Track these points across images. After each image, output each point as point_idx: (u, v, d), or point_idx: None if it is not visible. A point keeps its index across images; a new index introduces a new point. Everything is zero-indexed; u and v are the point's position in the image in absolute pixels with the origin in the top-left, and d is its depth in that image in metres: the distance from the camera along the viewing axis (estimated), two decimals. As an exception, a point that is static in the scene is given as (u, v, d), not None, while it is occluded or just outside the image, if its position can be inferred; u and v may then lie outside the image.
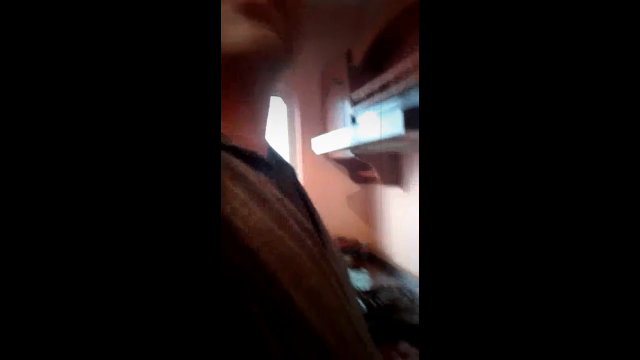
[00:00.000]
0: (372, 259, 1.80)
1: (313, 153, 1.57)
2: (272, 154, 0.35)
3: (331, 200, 1.84)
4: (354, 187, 1.87)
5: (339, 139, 1.04)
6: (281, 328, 0.21)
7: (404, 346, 0.93)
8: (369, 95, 1.17)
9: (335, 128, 1.52)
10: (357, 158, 1.40)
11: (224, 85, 0.27)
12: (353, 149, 1.17)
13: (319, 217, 0.35)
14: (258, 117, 0.32)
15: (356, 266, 1.66)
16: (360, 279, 1.50)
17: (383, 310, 1.17)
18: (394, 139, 0.81)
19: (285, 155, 1.82)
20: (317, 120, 1.77)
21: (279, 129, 1.91)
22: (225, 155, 0.25)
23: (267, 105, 0.33)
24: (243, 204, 0.24)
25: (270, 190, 0.27)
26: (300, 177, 1.81)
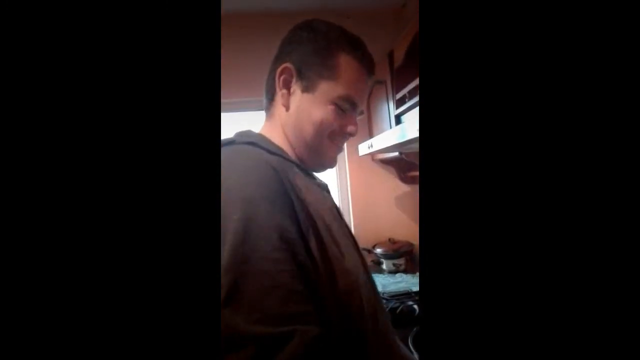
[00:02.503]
0: (426, 260, 1.74)
1: (359, 156, 1.58)
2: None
3: (380, 201, 1.84)
4: (403, 187, 1.85)
5: (385, 140, 1.05)
6: None
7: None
8: (412, 92, 1.16)
9: (381, 130, 1.52)
10: (404, 157, 1.39)
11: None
12: (399, 147, 1.17)
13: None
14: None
15: (411, 269, 1.63)
16: (416, 283, 1.46)
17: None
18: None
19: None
20: (362, 123, 1.77)
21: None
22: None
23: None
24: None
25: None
26: (348, 181, 1.83)
